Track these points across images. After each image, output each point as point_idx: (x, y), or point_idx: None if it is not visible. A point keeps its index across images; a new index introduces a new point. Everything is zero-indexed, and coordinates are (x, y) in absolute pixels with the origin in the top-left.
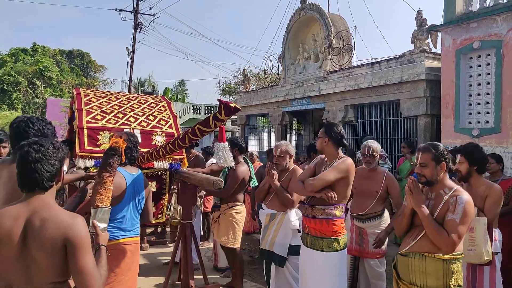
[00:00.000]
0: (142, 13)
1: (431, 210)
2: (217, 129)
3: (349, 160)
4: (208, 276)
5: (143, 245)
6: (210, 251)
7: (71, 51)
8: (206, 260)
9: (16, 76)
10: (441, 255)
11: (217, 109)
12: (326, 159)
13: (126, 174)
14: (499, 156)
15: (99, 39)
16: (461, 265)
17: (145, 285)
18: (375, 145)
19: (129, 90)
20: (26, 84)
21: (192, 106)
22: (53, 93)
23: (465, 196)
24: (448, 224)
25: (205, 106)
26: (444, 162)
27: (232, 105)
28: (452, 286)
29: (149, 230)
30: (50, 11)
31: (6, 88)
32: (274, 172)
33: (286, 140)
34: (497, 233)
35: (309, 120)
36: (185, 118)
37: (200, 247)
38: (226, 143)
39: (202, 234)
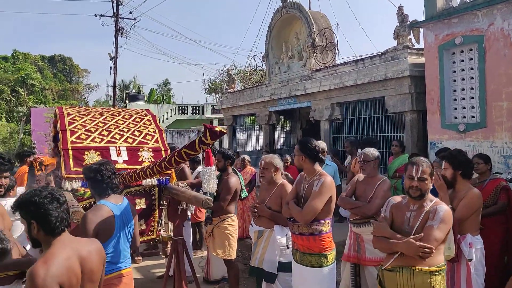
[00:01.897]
0: (123, 18)
1: (412, 221)
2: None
3: (328, 179)
4: None
5: (136, 258)
6: (204, 261)
7: (52, 56)
8: (200, 271)
9: None
10: (427, 267)
11: (203, 133)
12: (305, 175)
13: (112, 206)
14: (486, 156)
15: (81, 43)
16: (444, 276)
17: None
18: (367, 151)
19: (114, 96)
20: (9, 93)
21: (179, 106)
22: (37, 100)
23: (444, 206)
24: (425, 229)
25: (191, 106)
26: (433, 177)
27: (217, 129)
28: None
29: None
30: (29, 17)
31: None
32: (259, 211)
33: (274, 138)
34: (474, 240)
35: (296, 118)
36: (172, 120)
37: (193, 256)
38: (213, 167)
39: (195, 240)
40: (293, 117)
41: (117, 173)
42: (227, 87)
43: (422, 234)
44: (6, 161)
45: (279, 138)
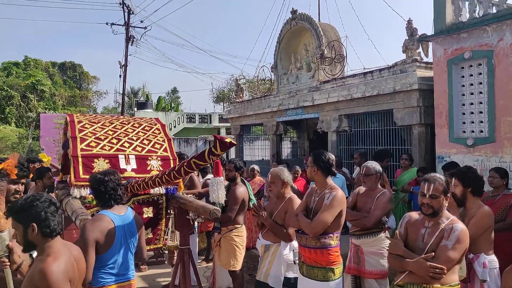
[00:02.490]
0: (134, 27)
1: (427, 238)
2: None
3: (339, 193)
4: None
5: (141, 266)
6: (209, 271)
7: (63, 63)
8: (205, 281)
9: (9, 90)
10: (439, 285)
11: (213, 144)
12: (316, 188)
13: (113, 217)
14: (504, 171)
15: (92, 50)
16: None
17: None
18: (369, 165)
19: (123, 103)
20: (19, 98)
21: (186, 115)
22: (46, 106)
23: (461, 225)
24: (439, 249)
25: (199, 115)
26: (449, 194)
27: (227, 140)
28: None
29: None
30: (41, 24)
31: None
32: (263, 212)
33: (281, 148)
34: (488, 260)
35: (304, 128)
36: (180, 128)
37: (199, 266)
38: (222, 177)
39: (200, 250)
40: (300, 128)
41: (122, 183)
42: (235, 96)
43: (433, 253)
44: (25, 167)
45: (286, 149)
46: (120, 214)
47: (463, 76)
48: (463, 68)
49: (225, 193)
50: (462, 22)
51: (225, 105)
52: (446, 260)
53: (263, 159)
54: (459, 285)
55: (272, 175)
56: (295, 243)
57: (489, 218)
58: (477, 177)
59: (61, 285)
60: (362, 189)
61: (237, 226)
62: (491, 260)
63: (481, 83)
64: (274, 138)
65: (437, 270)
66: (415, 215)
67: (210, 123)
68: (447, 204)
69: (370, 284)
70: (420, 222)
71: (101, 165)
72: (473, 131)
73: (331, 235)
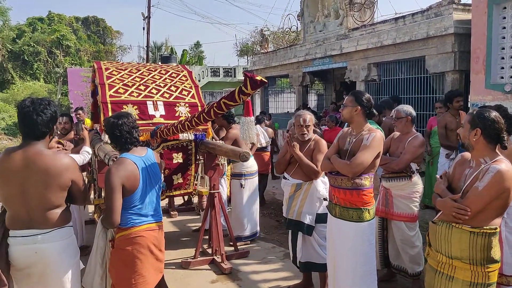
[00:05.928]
0: None
1: (467, 178)
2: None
3: (379, 134)
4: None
5: (172, 212)
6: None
7: (86, 17)
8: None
9: (36, 46)
10: (468, 227)
11: (243, 83)
12: (351, 130)
13: (135, 159)
14: None
15: (112, 4)
16: (495, 239)
17: (176, 255)
18: (399, 108)
19: (147, 56)
20: (46, 54)
21: (210, 68)
22: (73, 61)
23: (500, 166)
24: (470, 190)
25: (223, 69)
26: (478, 129)
27: (258, 78)
28: (481, 260)
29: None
30: None
31: (27, 59)
32: (295, 143)
33: (307, 101)
34: None
35: (331, 79)
36: (204, 82)
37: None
38: (252, 117)
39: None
40: (327, 79)
41: (137, 126)
42: (259, 48)
43: (460, 194)
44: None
45: (312, 101)
46: (141, 156)
47: (504, 17)
48: (505, 8)
49: None
50: None
51: (249, 58)
52: (472, 202)
53: (288, 111)
54: (496, 230)
55: (307, 119)
56: (326, 180)
57: None
58: (506, 116)
59: None
60: (397, 134)
61: None
62: None
63: None
64: (300, 89)
65: (461, 211)
66: (467, 155)
67: (235, 76)
68: (476, 138)
69: (398, 226)
70: (468, 162)
71: (130, 112)
72: (511, 77)
73: (366, 176)
